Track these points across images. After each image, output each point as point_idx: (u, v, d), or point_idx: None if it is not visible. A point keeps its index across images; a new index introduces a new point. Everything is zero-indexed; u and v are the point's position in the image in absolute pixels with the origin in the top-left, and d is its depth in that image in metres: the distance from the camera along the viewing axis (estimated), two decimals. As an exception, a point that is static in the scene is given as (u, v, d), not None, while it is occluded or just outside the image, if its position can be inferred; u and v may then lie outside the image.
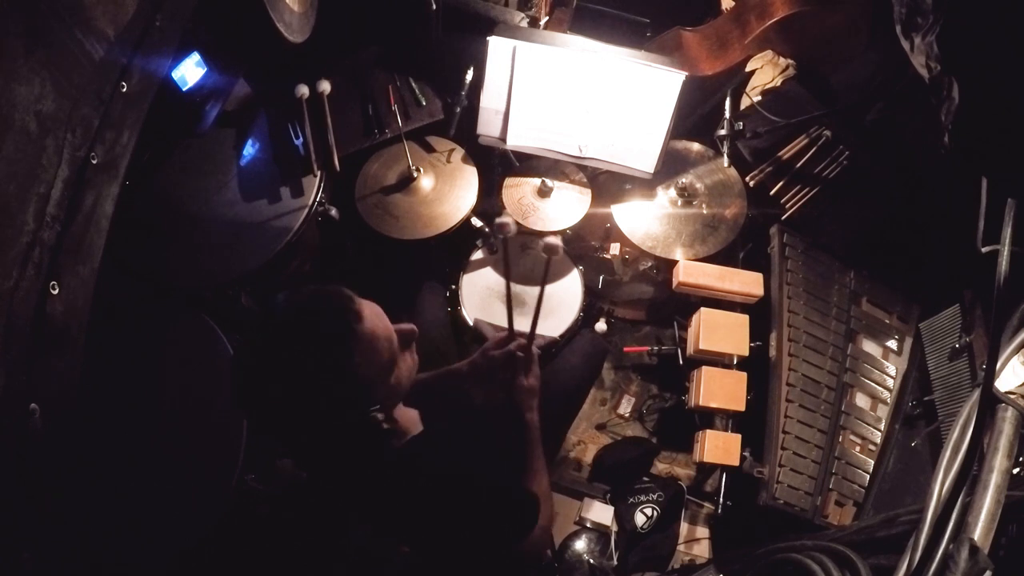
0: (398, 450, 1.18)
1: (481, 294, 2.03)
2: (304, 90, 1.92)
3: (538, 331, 1.92)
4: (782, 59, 2.32)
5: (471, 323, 1.95)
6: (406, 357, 1.16)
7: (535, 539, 1.25)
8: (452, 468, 1.19)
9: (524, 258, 2.14)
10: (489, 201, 2.12)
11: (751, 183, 2.10)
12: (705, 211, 2.09)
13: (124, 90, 1.16)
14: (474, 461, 1.23)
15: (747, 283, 2.01)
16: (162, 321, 1.73)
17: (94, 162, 1.07)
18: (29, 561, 0.90)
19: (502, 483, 1.28)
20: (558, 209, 2.06)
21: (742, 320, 1.99)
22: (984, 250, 1.24)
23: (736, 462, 1.86)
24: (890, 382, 1.94)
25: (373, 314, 1.08)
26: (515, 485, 1.33)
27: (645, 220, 2.08)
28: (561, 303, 2.03)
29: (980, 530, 0.96)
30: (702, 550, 2.05)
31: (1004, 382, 1.25)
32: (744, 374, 1.95)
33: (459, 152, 2.09)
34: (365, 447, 1.13)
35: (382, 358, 1.08)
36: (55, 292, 0.97)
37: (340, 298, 1.06)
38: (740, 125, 2.02)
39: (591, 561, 1.94)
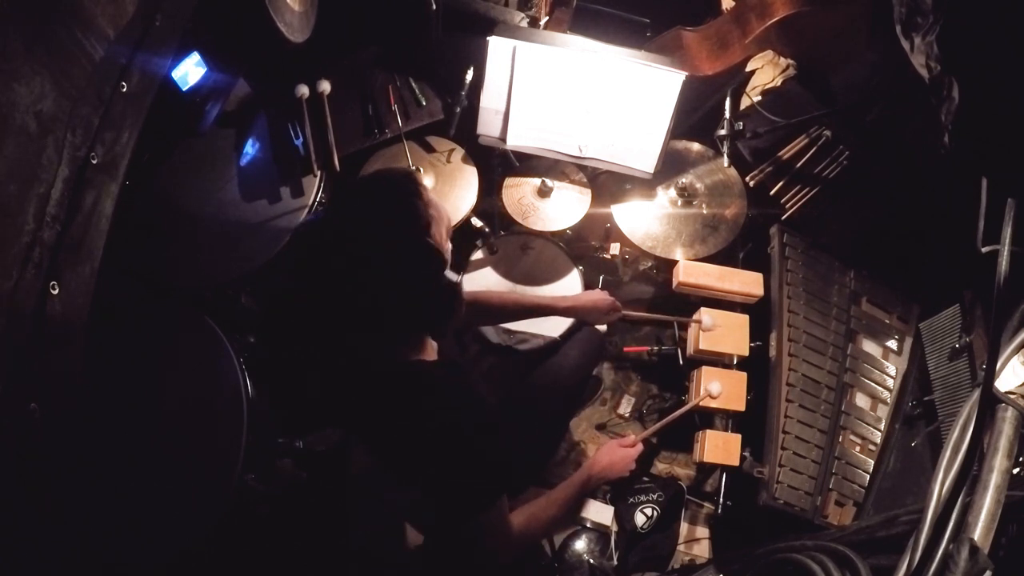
0: (419, 363, 1.23)
1: (481, 294, 2.03)
2: (304, 90, 1.92)
3: (538, 331, 1.93)
4: (782, 59, 2.32)
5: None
6: (449, 245, 1.23)
7: (494, 533, 1.22)
8: (462, 401, 1.19)
9: (524, 258, 2.14)
10: (489, 201, 2.12)
11: (751, 183, 2.10)
12: (705, 211, 2.09)
13: (124, 90, 1.16)
14: (496, 421, 1.23)
15: (747, 283, 2.01)
16: (162, 321, 1.73)
17: (94, 162, 1.08)
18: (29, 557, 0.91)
19: (501, 447, 1.24)
20: (558, 209, 2.06)
21: (742, 320, 1.99)
22: (984, 250, 1.24)
23: (736, 462, 1.86)
24: (890, 382, 1.94)
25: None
26: (510, 461, 1.32)
27: (645, 220, 2.08)
28: (561, 303, 2.03)
29: (980, 530, 0.96)
30: (702, 550, 2.05)
31: (1004, 382, 1.24)
32: (744, 374, 1.95)
33: (459, 152, 2.09)
34: (422, 321, 1.21)
35: (441, 228, 1.17)
36: (55, 292, 0.97)
37: (404, 169, 1.19)
38: (740, 125, 2.02)
39: (591, 561, 1.94)
